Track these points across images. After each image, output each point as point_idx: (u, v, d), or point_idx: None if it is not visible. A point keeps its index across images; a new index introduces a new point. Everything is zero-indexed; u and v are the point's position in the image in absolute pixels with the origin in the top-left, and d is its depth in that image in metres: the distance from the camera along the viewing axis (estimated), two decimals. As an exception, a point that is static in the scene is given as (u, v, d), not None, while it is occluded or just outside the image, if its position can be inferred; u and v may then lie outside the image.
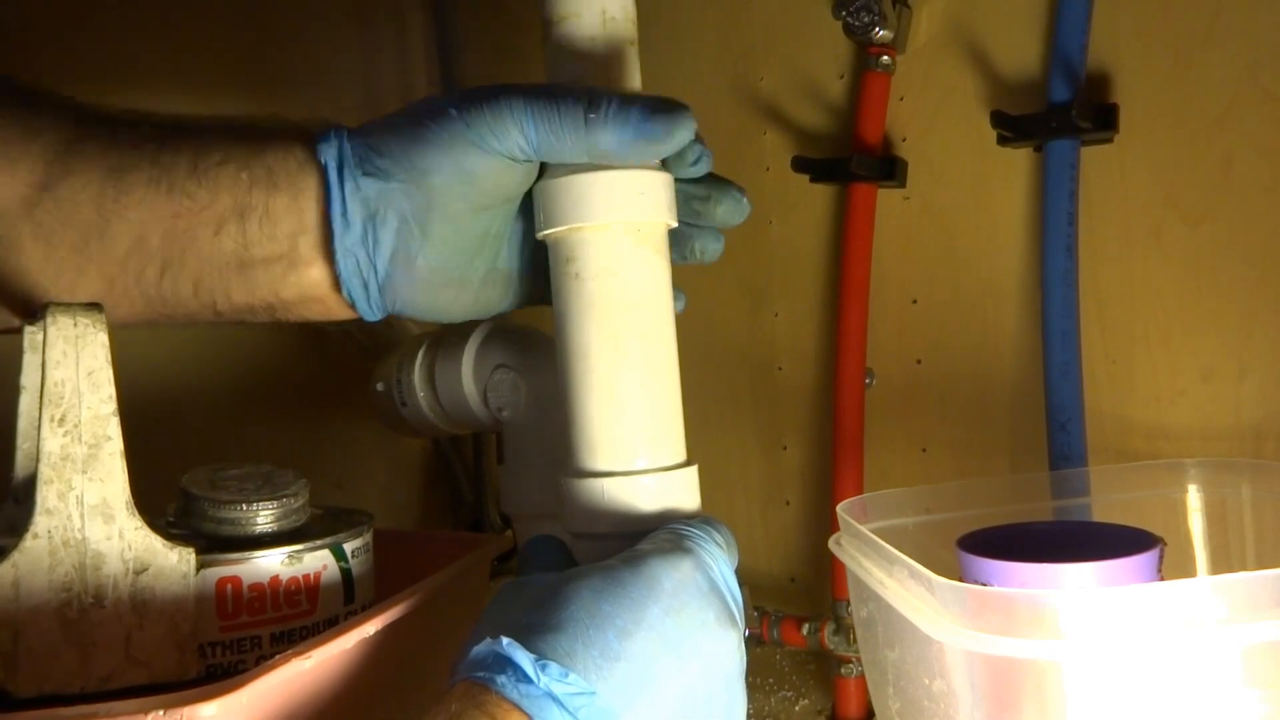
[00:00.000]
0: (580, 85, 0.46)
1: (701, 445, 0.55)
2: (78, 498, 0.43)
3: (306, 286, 0.49)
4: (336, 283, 0.48)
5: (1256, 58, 0.63)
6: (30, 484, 0.43)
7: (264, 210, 0.46)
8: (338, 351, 0.90)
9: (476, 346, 0.67)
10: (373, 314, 0.50)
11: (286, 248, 0.47)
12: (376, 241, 0.47)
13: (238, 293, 0.48)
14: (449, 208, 0.47)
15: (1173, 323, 0.67)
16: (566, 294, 0.51)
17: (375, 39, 1.08)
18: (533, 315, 0.70)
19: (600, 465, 0.51)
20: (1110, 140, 0.68)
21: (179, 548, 0.45)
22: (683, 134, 0.44)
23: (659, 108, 0.44)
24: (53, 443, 0.42)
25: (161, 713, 0.35)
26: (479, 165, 0.45)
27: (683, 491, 0.52)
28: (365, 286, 0.49)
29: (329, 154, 0.47)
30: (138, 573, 0.44)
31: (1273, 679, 0.38)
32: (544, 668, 0.36)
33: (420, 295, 0.49)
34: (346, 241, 0.47)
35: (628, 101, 0.44)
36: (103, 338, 0.44)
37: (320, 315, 0.50)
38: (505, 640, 0.37)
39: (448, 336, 0.70)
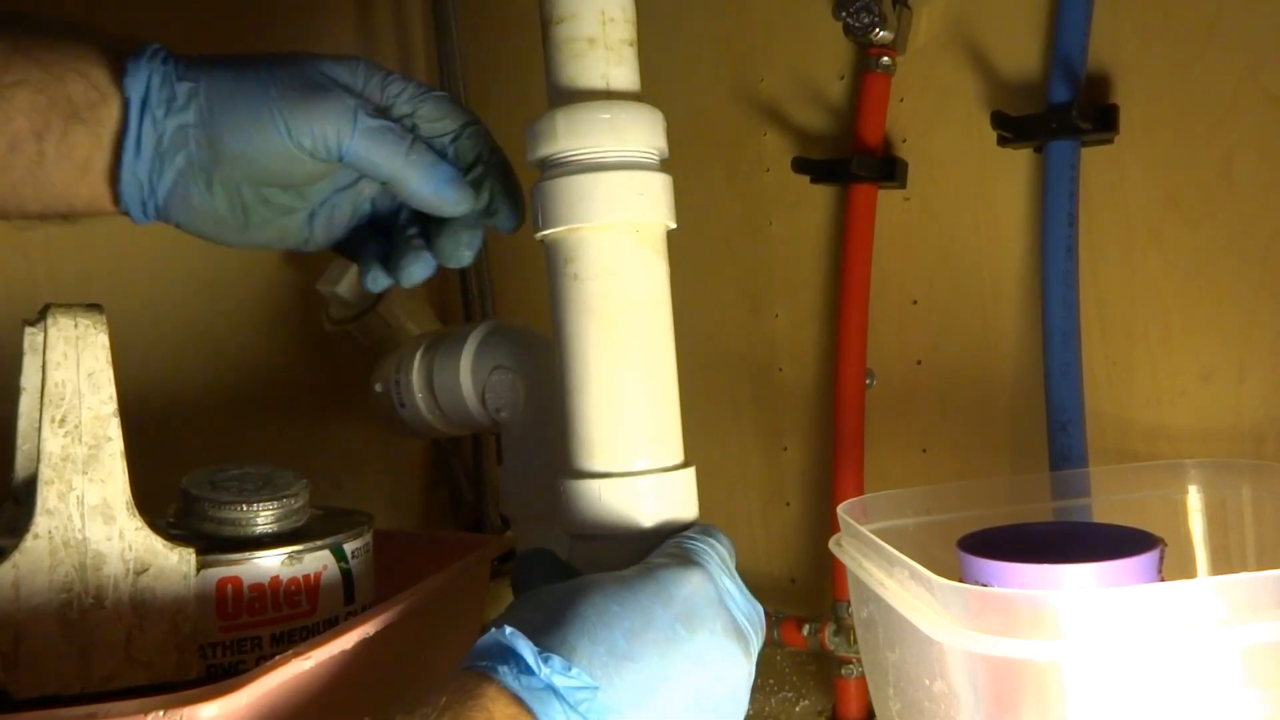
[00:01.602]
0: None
1: (702, 446, 0.55)
2: (78, 498, 0.43)
3: (96, 200, 0.50)
4: (118, 199, 0.50)
5: (1256, 59, 0.63)
6: (31, 485, 0.43)
7: (61, 134, 0.47)
8: (337, 352, 0.90)
9: (475, 347, 0.66)
10: (146, 221, 0.52)
11: (81, 168, 0.49)
12: (160, 174, 0.49)
13: (32, 203, 0.49)
14: (231, 175, 0.49)
15: (1173, 323, 0.67)
16: (565, 295, 0.51)
17: (375, 34, 1.08)
18: (533, 316, 0.70)
19: (598, 466, 0.51)
20: (1110, 141, 0.68)
21: (179, 548, 0.45)
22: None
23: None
24: (53, 443, 0.42)
25: (162, 713, 0.35)
26: (275, 150, 0.48)
27: (680, 493, 0.52)
28: (143, 207, 0.50)
29: (135, 89, 0.48)
30: (138, 573, 0.44)
31: (1272, 679, 0.38)
32: (546, 659, 0.36)
33: (193, 224, 0.51)
34: (134, 169, 0.49)
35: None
36: (103, 339, 0.44)
37: (105, 214, 0.52)
38: (509, 629, 0.37)
39: (447, 337, 0.70)
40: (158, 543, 0.44)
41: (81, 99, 0.47)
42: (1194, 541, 0.58)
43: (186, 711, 0.36)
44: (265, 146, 0.48)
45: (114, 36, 0.50)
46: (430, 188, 0.50)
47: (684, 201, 0.54)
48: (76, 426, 0.43)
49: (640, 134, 0.51)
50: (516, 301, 1.02)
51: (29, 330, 0.47)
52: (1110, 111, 0.67)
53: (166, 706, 0.35)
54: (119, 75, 0.48)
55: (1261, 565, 0.55)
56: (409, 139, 0.50)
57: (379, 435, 0.80)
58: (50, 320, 0.43)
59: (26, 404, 0.46)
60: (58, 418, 0.43)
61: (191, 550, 0.45)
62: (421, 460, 1.09)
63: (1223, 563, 0.57)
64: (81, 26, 0.50)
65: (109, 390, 0.44)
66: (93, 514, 0.43)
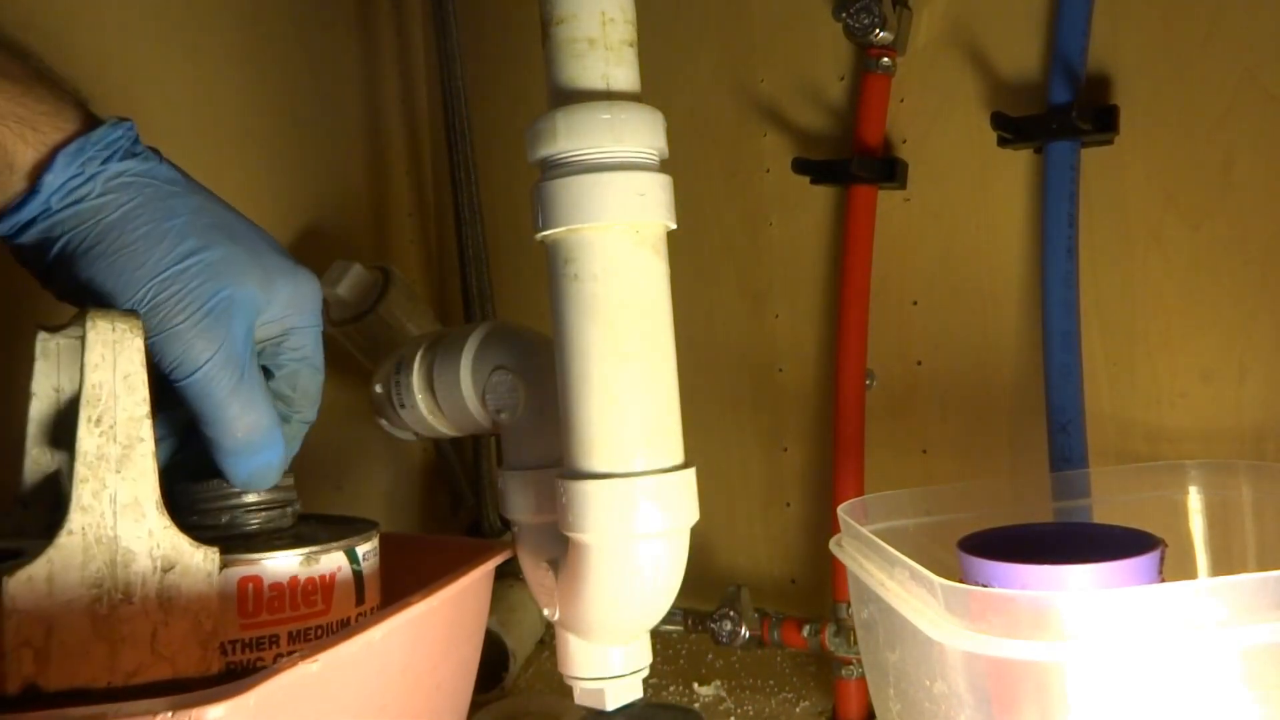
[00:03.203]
0: None
1: (702, 447, 0.55)
2: (111, 496, 0.43)
3: None
4: None
5: (1256, 59, 0.63)
6: (41, 489, 0.44)
7: None
8: (337, 353, 0.90)
9: (475, 348, 0.66)
10: None
11: None
12: (36, 250, 0.49)
13: None
14: None
15: (1173, 324, 0.67)
16: (565, 295, 0.51)
17: (375, 34, 1.08)
18: (533, 316, 0.70)
19: (598, 466, 0.51)
20: (1110, 142, 0.68)
21: (204, 547, 0.46)
22: None
23: None
24: (89, 442, 0.43)
25: (170, 714, 0.36)
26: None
27: (680, 493, 0.52)
28: None
29: (48, 186, 0.47)
30: (165, 570, 0.44)
31: (1273, 681, 0.38)
32: None
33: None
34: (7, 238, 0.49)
35: None
36: (139, 343, 0.45)
37: None
38: None
39: (447, 338, 0.70)
40: (184, 541, 0.45)
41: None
42: (1194, 542, 0.58)
43: (195, 713, 0.36)
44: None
45: (70, 101, 0.49)
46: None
47: (684, 201, 0.54)
48: (111, 426, 0.43)
49: (640, 134, 0.51)
50: (516, 302, 1.02)
51: (42, 336, 0.47)
52: (1110, 112, 0.67)
53: (175, 708, 0.36)
54: (44, 163, 0.47)
55: (1262, 566, 0.55)
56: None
57: (379, 436, 0.79)
58: (89, 324, 0.44)
59: (37, 409, 0.47)
60: (94, 417, 0.43)
61: (215, 550, 0.46)
62: (421, 461, 1.09)
63: (1223, 564, 0.57)
64: (47, 77, 0.50)
65: (143, 392, 0.44)
66: (124, 512, 0.43)
